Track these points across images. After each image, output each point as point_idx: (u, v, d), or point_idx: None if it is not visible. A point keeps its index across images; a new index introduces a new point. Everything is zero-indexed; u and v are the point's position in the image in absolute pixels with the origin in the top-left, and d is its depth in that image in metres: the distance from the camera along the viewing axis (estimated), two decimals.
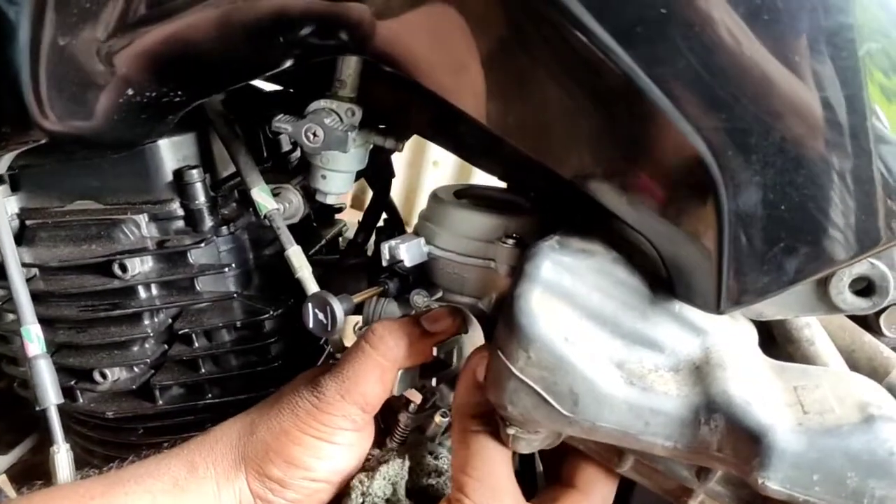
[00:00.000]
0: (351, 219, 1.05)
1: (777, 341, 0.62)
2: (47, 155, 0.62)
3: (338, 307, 0.65)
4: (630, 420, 0.50)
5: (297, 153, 0.90)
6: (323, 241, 0.94)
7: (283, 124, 0.66)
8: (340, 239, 1.03)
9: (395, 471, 0.65)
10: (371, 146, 0.72)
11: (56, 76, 0.50)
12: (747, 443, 0.46)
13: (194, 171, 0.71)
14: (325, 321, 0.65)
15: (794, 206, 0.44)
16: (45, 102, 0.51)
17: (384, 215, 0.97)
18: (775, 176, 0.43)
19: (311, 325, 0.66)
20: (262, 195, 0.72)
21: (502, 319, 0.53)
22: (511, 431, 0.57)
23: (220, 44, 0.52)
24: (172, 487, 0.60)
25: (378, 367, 0.64)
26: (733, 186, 0.44)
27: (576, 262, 0.55)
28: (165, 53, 0.52)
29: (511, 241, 0.64)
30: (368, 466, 0.65)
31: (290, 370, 0.79)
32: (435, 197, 0.73)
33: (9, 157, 0.60)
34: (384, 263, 0.70)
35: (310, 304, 0.66)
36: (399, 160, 2.98)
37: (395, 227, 0.96)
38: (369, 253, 0.95)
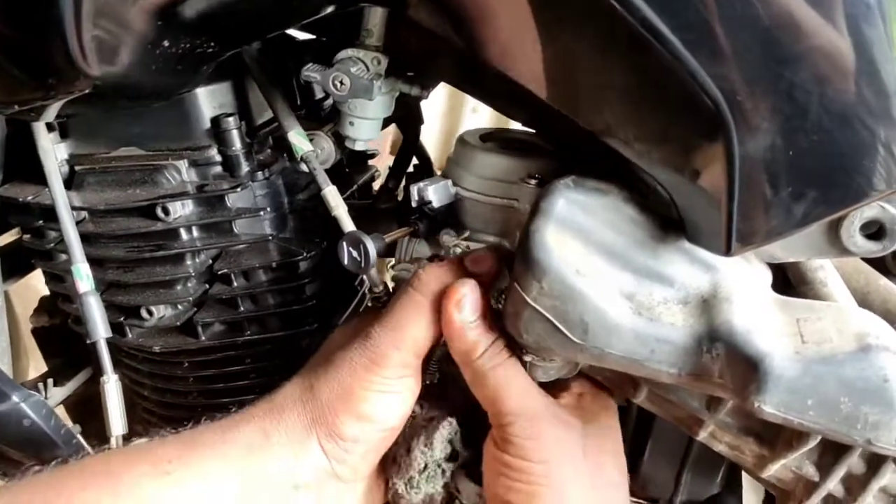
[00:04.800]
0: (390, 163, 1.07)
1: (792, 283, 0.63)
2: (92, 104, 0.64)
3: (370, 245, 0.67)
4: (636, 348, 0.52)
5: (329, 101, 0.91)
6: (355, 187, 0.95)
7: (311, 73, 0.68)
8: (373, 184, 1.05)
9: (448, 431, 0.67)
10: (398, 93, 0.73)
11: (98, 29, 0.52)
12: (745, 369, 0.49)
13: (230, 119, 0.73)
14: (358, 258, 0.68)
15: (802, 152, 0.45)
16: (88, 54, 0.52)
17: (415, 160, 0.99)
18: (784, 122, 0.44)
19: (345, 262, 0.69)
20: (298, 138, 0.74)
21: (518, 253, 0.56)
22: (528, 359, 0.61)
23: None
24: (248, 454, 0.61)
25: (426, 312, 0.63)
26: (744, 132, 0.45)
27: (590, 199, 0.57)
28: (196, 7, 0.54)
29: (533, 182, 0.66)
30: (417, 424, 0.68)
31: (325, 309, 0.83)
32: (461, 140, 0.75)
33: (56, 107, 0.62)
34: (413, 204, 0.72)
35: (344, 243, 0.68)
36: (438, 107, 2.93)
37: (425, 173, 0.98)
38: (400, 198, 0.97)
